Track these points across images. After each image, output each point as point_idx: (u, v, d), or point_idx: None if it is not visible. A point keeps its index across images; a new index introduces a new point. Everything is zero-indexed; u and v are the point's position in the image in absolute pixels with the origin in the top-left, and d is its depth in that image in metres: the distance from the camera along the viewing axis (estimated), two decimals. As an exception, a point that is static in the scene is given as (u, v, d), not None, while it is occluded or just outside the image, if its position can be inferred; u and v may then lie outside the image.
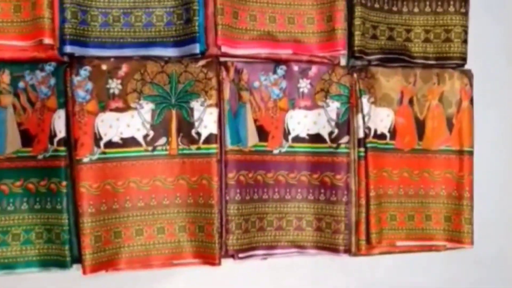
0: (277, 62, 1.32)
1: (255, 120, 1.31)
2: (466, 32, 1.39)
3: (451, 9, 1.39)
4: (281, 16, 1.32)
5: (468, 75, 1.41)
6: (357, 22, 1.32)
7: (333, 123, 1.32)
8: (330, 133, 1.32)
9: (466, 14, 1.39)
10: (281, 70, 1.32)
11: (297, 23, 1.33)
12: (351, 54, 1.34)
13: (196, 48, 1.23)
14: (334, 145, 1.32)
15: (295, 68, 1.32)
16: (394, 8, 1.39)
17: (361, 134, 1.33)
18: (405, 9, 1.39)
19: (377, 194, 1.34)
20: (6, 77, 1.18)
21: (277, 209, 1.32)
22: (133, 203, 1.23)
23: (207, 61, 1.26)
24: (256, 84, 1.30)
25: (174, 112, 1.25)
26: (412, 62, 1.39)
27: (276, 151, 1.32)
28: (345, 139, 1.32)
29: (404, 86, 1.38)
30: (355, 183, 1.34)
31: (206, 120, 1.24)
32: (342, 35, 1.31)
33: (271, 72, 1.31)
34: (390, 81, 1.37)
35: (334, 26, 1.31)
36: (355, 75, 1.34)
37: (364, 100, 1.33)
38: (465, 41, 1.39)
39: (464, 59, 1.39)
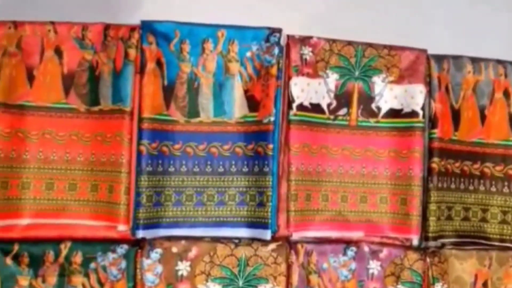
0: (347, 242, 1.29)
1: (323, 302, 1.27)
2: (546, 218, 1.33)
3: (531, 192, 1.33)
4: (353, 195, 1.30)
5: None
6: (432, 207, 1.28)
7: (404, 311, 1.27)
8: (400, 321, 1.27)
9: (546, 199, 1.33)
10: (351, 251, 1.28)
11: (369, 202, 1.30)
12: (425, 238, 1.29)
13: (267, 235, 1.22)
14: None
15: (366, 249, 1.29)
16: (471, 187, 1.34)
17: (433, 324, 1.27)
18: (482, 188, 1.35)
19: None
20: (79, 258, 1.18)
21: None
22: None
23: (277, 245, 1.24)
24: (325, 266, 1.27)
25: (241, 295, 1.23)
26: (488, 244, 1.33)
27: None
28: (416, 329, 1.27)
29: (479, 269, 1.32)
30: None
31: (274, 308, 1.22)
32: (417, 221, 1.27)
33: (341, 254, 1.28)
34: (464, 264, 1.31)
35: (409, 212, 1.27)
36: (428, 260, 1.28)
37: (437, 288, 1.28)
38: (545, 227, 1.32)
39: (543, 245, 1.32)
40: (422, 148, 1.29)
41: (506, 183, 1.34)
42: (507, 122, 1.35)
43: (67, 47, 1.21)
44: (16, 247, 1.16)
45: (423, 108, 1.29)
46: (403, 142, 1.30)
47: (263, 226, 1.22)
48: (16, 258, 1.16)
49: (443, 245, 1.32)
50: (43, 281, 1.17)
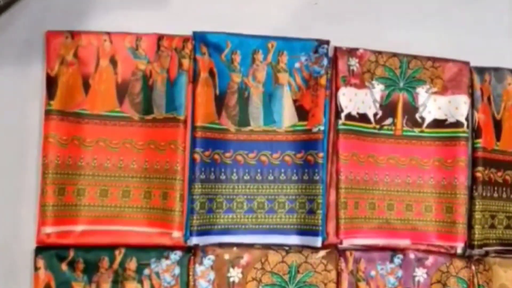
0: (394, 250, 1.30)
1: (371, 310, 1.28)
2: None
3: None
4: (400, 204, 1.32)
5: None
6: (477, 215, 1.30)
7: (450, 319, 1.29)
8: (447, 329, 1.28)
9: None
10: (398, 259, 1.30)
11: (415, 211, 1.32)
12: (470, 246, 1.31)
13: (318, 242, 1.23)
14: None
15: (412, 256, 1.30)
16: (512, 195, 1.37)
17: (479, 332, 1.29)
18: (523, 197, 1.37)
19: None
20: (133, 264, 1.19)
21: None
22: None
23: (327, 252, 1.25)
24: (373, 273, 1.28)
25: (291, 302, 1.24)
26: (530, 253, 1.35)
27: None
28: (462, 338, 1.28)
29: (522, 277, 1.34)
30: None
31: (324, 314, 1.23)
32: (463, 230, 1.29)
33: (388, 261, 1.29)
34: (507, 272, 1.33)
35: (455, 220, 1.29)
36: (473, 267, 1.30)
37: (483, 296, 1.29)
38: None
39: None
40: (467, 158, 1.32)
41: (546, 191, 1.37)
42: (546, 133, 1.38)
43: (121, 57, 1.23)
44: (71, 253, 1.17)
45: (467, 119, 1.32)
46: (447, 151, 1.32)
47: (314, 233, 1.24)
48: (71, 264, 1.17)
49: (486, 253, 1.34)
50: (97, 288, 1.18)
